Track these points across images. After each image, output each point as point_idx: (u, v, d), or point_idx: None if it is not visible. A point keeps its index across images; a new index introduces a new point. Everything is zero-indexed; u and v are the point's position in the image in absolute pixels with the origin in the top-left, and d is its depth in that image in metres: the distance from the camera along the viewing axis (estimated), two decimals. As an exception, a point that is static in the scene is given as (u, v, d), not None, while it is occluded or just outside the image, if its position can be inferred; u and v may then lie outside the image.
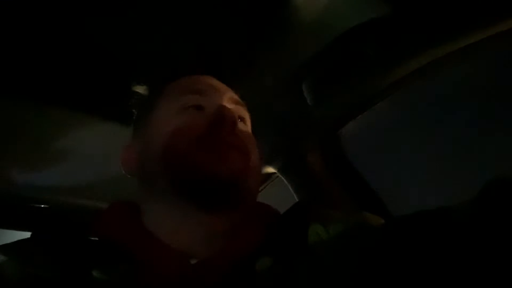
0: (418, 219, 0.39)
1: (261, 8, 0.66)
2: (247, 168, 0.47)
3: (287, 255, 0.41)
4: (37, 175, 0.92)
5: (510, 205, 0.32)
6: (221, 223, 0.45)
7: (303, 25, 0.69)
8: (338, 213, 0.47)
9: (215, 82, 0.55)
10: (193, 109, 0.50)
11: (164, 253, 0.42)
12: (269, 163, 1.00)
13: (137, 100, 0.67)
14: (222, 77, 0.57)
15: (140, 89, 0.73)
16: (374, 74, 0.76)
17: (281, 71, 0.79)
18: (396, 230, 0.40)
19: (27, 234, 0.47)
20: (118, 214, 0.49)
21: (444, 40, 0.68)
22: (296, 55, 0.76)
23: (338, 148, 0.94)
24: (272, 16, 0.68)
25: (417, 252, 0.36)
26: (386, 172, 0.92)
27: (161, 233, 0.45)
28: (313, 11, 0.67)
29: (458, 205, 0.37)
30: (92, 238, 0.47)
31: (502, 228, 0.31)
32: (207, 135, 0.46)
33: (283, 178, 0.99)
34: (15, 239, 0.45)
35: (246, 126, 0.54)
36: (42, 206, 0.99)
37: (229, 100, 0.53)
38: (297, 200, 0.96)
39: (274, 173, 1.02)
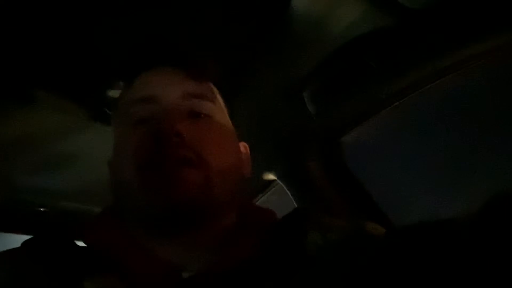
0: (418, 230, 0.39)
1: (264, 18, 0.67)
2: (207, 176, 0.41)
3: (283, 264, 0.40)
4: (37, 178, 0.93)
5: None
6: (201, 239, 0.42)
7: (305, 35, 0.70)
8: (337, 220, 0.47)
9: (169, 76, 0.48)
10: (140, 124, 0.44)
11: (155, 266, 0.41)
12: (270, 171, 1.00)
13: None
14: (187, 69, 0.48)
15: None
16: (376, 84, 0.77)
17: (283, 80, 0.80)
18: (396, 241, 0.40)
19: (26, 237, 0.47)
20: (109, 223, 0.46)
21: (445, 51, 0.69)
22: (298, 64, 0.76)
23: (339, 157, 0.94)
24: (275, 25, 0.68)
25: (417, 264, 0.36)
26: (387, 181, 0.92)
27: (152, 245, 0.43)
28: (315, 20, 0.67)
29: (459, 218, 0.37)
30: (84, 246, 0.44)
31: (503, 243, 0.31)
32: (152, 153, 0.41)
33: (283, 185, 0.99)
34: (14, 241, 0.44)
35: (209, 119, 0.46)
36: (42, 209, 0.99)
37: (183, 95, 0.46)
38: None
39: (275, 180, 1.02)
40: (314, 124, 0.89)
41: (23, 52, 0.66)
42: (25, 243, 0.44)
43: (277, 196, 1.05)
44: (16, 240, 0.46)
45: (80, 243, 0.45)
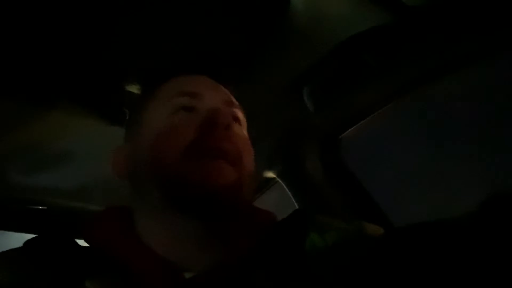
0: (418, 231, 0.39)
1: (263, 15, 0.67)
2: (239, 177, 0.43)
3: (282, 265, 0.40)
4: (36, 177, 0.92)
5: (510, 221, 0.32)
6: (215, 232, 0.44)
7: (303, 32, 0.69)
8: (336, 221, 0.47)
9: (209, 82, 0.52)
10: (184, 111, 0.47)
11: (157, 265, 0.41)
12: (269, 168, 1.00)
13: (130, 100, 0.65)
14: (218, 77, 0.54)
15: (134, 88, 0.72)
16: (374, 82, 0.77)
17: (282, 77, 0.80)
18: (395, 241, 0.40)
19: (25, 236, 0.46)
20: (110, 222, 0.46)
21: (444, 48, 0.69)
22: (296, 62, 0.76)
23: (338, 155, 0.94)
24: (273, 23, 0.68)
25: (416, 264, 0.36)
26: (386, 179, 0.92)
27: (155, 243, 0.43)
28: (314, 18, 0.67)
29: (458, 218, 0.37)
30: (85, 246, 0.45)
31: (502, 242, 0.31)
32: (196, 140, 0.43)
33: (282, 183, 0.99)
34: (13, 241, 0.44)
35: (241, 128, 0.51)
36: (40, 208, 0.98)
37: (223, 101, 0.50)
38: (296, 205, 0.96)
39: (274, 178, 1.02)
40: (313, 122, 0.89)
41: (22, 54, 0.65)
42: (27, 242, 0.44)
43: (276, 193, 1.05)
44: (14, 238, 0.46)
45: (82, 243, 0.45)
